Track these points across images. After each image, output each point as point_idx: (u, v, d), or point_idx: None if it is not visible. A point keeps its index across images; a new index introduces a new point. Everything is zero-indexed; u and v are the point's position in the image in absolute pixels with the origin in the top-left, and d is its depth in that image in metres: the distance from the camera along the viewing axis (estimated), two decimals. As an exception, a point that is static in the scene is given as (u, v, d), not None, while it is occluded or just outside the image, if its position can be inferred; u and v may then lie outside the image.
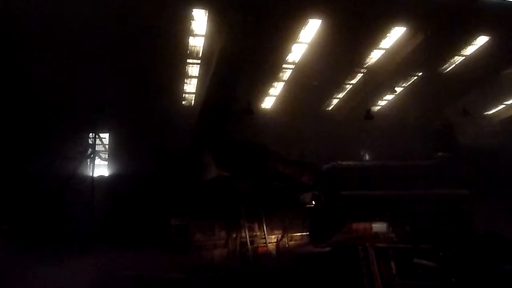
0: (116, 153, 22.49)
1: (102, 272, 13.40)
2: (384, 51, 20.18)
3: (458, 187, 18.59)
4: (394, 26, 18.19)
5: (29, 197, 17.41)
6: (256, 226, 19.03)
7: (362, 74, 22.70)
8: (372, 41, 19.29)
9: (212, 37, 17.37)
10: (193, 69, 20.55)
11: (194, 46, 18.50)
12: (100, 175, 21.42)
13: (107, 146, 22.89)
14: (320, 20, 17.07)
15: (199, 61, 19.64)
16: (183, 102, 23.39)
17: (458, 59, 21.32)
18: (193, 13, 16.22)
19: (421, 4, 16.69)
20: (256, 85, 21.72)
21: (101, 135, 22.22)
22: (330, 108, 26.59)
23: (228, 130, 20.47)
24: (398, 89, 24.33)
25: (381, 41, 19.40)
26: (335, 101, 26.04)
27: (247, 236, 18.31)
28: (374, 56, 20.84)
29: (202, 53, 18.87)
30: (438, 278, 10.77)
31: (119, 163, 21.75)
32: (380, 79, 22.41)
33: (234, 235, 18.47)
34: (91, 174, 20.16)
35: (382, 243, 12.84)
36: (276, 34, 17.50)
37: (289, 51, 19.44)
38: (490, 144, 22.37)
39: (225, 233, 18.60)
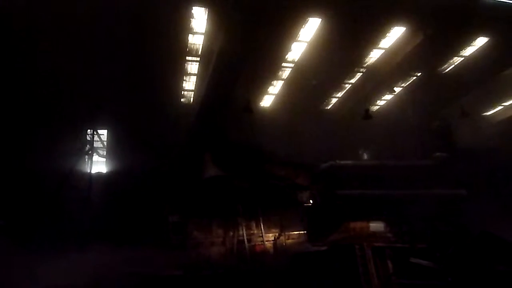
0: (114, 150, 22.47)
1: (99, 269, 13.40)
2: (383, 50, 20.19)
3: (455, 187, 18.63)
4: (393, 26, 18.20)
5: (27, 193, 17.37)
6: (253, 224, 19.11)
7: (361, 74, 22.71)
8: (371, 40, 19.29)
9: (211, 35, 17.35)
10: (193, 67, 20.53)
11: (194, 43, 18.48)
12: (98, 172, 21.42)
13: (105, 143, 22.86)
14: (320, 19, 17.06)
15: (198, 59, 19.62)
16: (182, 100, 23.38)
17: (457, 60, 21.36)
18: (193, 10, 16.20)
19: (421, 4, 16.69)
20: (255, 84, 21.71)
21: (100, 131, 22.19)
22: (329, 107, 26.62)
23: (227, 128, 20.47)
24: (397, 89, 24.38)
25: (380, 40, 19.41)
26: (334, 100, 26.06)
27: (245, 234, 18.39)
28: (374, 56, 20.84)
29: (201, 51, 18.84)
30: (435, 277, 10.80)
31: (117, 160, 21.73)
32: (379, 79, 22.43)
33: (232, 233, 18.54)
34: (89, 171, 20.13)
35: (379, 242, 12.85)
36: (275, 32, 17.48)
37: (288, 49, 19.43)
38: (488, 145, 22.43)
39: (223, 231, 18.67)
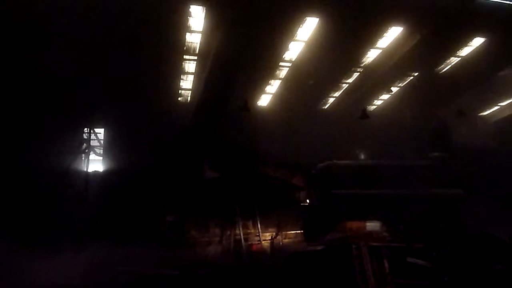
0: (111, 148, 22.41)
1: (96, 268, 13.38)
2: (380, 50, 20.22)
3: (452, 187, 18.68)
4: (391, 26, 18.22)
5: (23, 192, 17.30)
6: (250, 223, 19.12)
7: (358, 73, 22.74)
8: (369, 40, 19.31)
9: (209, 33, 17.32)
10: (190, 66, 20.49)
11: (191, 42, 18.44)
12: (95, 171, 21.36)
13: (102, 142, 22.81)
14: (317, 19, 17.07)
15: (196, 58, 19.58)
16: (179, 99, 23.34)
17: (454, 60, 21.43)
18: (190, 9, 16.17)
19: (418, 4, 16.73)
20: (252, 83, 21.70)
21: (96, 130, 22.15)
22: (326, 107, 26.64)
23: (224, 128, 20.45)
24: (394, 89, 24.44)
25: (377, 40, 19.43)
26: (331, 100, 26.09)
27: (242, 234, 18.39)
28: (371, 56, 20.87)
29: (199, 49, 18.81)
30: (431, 277, 10.84)
31: (114, 158, 21.67)
32: (376, 79, 22.47)
33: (229, 233, 18.56)
34: (85, 170, 20.08)
35: (375, 242, 12.88)
36: (273, 31, 17.48)
37: (286, 49, 19.43)
38: (484, 145, 22.51)
39: (220, 230, 18.68)
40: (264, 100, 24.89)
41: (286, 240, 19.11)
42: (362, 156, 26.58)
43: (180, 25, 17.06)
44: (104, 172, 21.64)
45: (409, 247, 12.12)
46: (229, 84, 19.06)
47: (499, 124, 26.65)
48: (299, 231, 18.81)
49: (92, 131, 21.15)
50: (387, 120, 24.86)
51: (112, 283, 12.70)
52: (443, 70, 22.11)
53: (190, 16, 16.55)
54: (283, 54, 19.94)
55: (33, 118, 19.08)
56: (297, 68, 20.88)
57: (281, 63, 20.87)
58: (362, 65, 21.75)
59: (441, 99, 23.98)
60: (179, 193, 18.40)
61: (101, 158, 22.58)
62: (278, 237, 19.16)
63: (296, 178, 18.52)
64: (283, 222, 19.30)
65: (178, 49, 18.75)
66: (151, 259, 14.92)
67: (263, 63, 20.07)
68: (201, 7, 16.00)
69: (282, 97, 23.98)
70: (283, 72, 21.88)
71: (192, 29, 17.45)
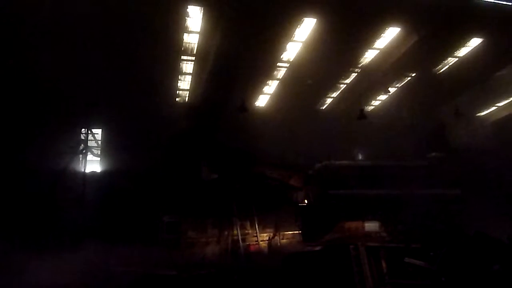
0: (108, 149, 22.36)
1: (93, 268, 13.34)
2: (378, 51, 20.24)
3: (450, 187, 18.72)
4: (388, 26, 18.24)
5: (20, 192, 17.25)
6: (248, 224, 19.09)
7: (356, 74, 22.76)
8: (366, 41, 19.34)
9: (207, 34, 17.31)
10: (188, 66, 20.48)
11: (189, 42, 18.43)
12: (92, 171, 21.31)
13: (99, 142, 22.76)
14: (315, 19, 17.07)
15: (193, 58, 19.57)
16: (176, 99, 23.31)
17: (451, 60, 21.47)
18: (188, 9, 16.15)
19: (416, 5, 16.76)
20: (250, 83, 21.69)
21: (94, 130, 22.10)
22: (324, 107, 26.66)
23: (222, 128, 20.45)
24: (392, 89, 24.46)
25: (375, 41, 19.45)
26: (329, 100, 26.11)
27: (239, 234, 18.36)
28: (368, 56, 20.89)
29: (196, 50, 18.79)
30: (428, 277, 10.83)
31: (111, 159, 21.63)
32: (373, 79, 22.50)
33: (226, 233, 18.52)
34: (83, 170, 20.03)
35: (373, 242, 12.87)
36: (270, 32, 17.48)
37: (283, 49, 19.43)
38: (482, 145, 22.56)
39: (217, 231, 18.65)
40: (262, 101, 24.89)
41: (284, 241, 19.09)
42: (360, 157, 26.63)
43: (177, 26, 17.04)
44: (101, 172, 21.61)
45: (407, 247, 12.11)
46: (229, 85, 19.07)
47: (497, 124, 26.71)
48: (297, 232, 18.81)
49: (89, 132, 21.09)
50: (384, 120, 24.90)
51: (110, 283, 12.65)
52: (441, 71, 22.16)
53: (187, 16, 16.54)
54: (281, 55, 19.96)
55: (30, 118, 19.01)
56: (295, 69, 20.89)
57: (278, 64, 20.89)
58: (359, 65, 21.77)
59: (438, 100, 24.05)
60: (176, 193, 18.36)
61: (98, 158, 22.53)
62: (276, 237, 19.13)
63: (293, 179, 18.52)
64: (280, 222, 19.28)
65: (176, 50, 18.73)
66: (148, 260, 14.87)
67: (260, 64, 20.08)
68: (198, 7, 15.99)
69: (279, 98, 23.98)
70: (280, 73, 21.90)
71: (189, 30, 17.43)
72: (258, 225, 18.99)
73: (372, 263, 11.76)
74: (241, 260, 17.40)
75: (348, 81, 23.57)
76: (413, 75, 23.02)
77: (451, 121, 23.31)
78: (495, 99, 26.42)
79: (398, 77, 23.30)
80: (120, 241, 15.38)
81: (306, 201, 18.92)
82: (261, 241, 18.88)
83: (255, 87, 22.84)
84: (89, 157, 21.46)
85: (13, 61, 16.68)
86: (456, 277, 10.53)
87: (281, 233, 19.26)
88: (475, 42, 19.78)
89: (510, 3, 17.52)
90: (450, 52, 20.77)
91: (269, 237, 19.12)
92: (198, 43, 18.31)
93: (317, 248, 13.80)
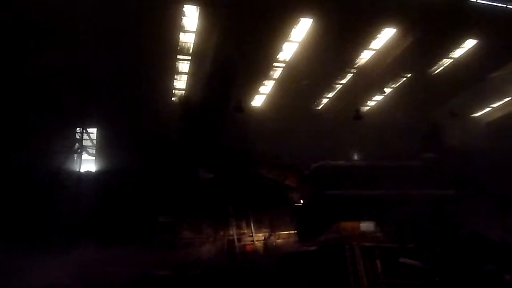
0: (103, 148, 22.27)
1: (88, 268, 13.30)
2: (374, 51, 20.31)
3: (444, 188, 18.81)
4: (384, 27, 18.32)
5: (15, 192, 17.15)
6: (244, 224, 19.06)
7: (352, 74, 22.82)
8: (362, 41, 19.40)
9: (203, 34, 17.30)
10: (184, 66, 20.45)
11: (185, 42, 18.41)
12: (87, 171, 21.22)
13: (94, 141, 22.67)
14: (312, 20, 17.11)
15: (189, 58, 19.55)
16: (172, 98, 23.27)
17: (446, 62, 21.58)
18: (184, 8, 16.13)
19: (411, 6, 16.84)
20: (247, 83, 21.70)
21: (89, 130, 22.00)
22: (320, 108, 26.71)
23: (218, 128, 20.41)
24: (387, 90, 24.56)
25: (371, 41, 19.52)
26: (325, 101, 26.16)
27: (235, 234, 18.34)
28: (364, 57, 20.96)
29: (192, 49, 18.77)
30: (423, 277, 10.89)
31: (107, 158, 21.54)
32: (369, 80, 22.56)
33: (222, 233, 18.48)
34: (78, 170, 19.94)
35: (369, 242, 12.93)
36: (267, 32, 17.50)
37: (280, 49, 19.45)
38: (476, 146, 22.67)
39: (213, 231, 18.60)
40: (258, 101, 24.90)
41: (280, 241, 19.07)
42: (355, 157, 26.69)
43: (174, 25, 17.02)
44: (96, 172, 21.52)
45: (402, 247, 12.17)
46: (225, 85, 19.04)
47: (491, 125, 26.89)
48: (293, 232, 18.82)
49: (84, 131, 20.99)
50: (380, 121, 24.97)
51: (105, 283, 12.62)
52: (436, 72, 22.26)
53: (184, 15, 16.52)
54: (277, 55, 19.98)
55: (25, 117, 18.90)
56: (291, 69, 20.92)
57: (275, 64, 20.91)
58: (355, 66, 21.83)
59: (433, 100, 24.16)
60: (172, 193, 18.32)
61: (93, 158, 22.44)
62: (272, 237, 19.12)
63: (289, 179, 18.54)
64: (276, 222, 19.27)
65: (172, 49, 18.70)
66: (144, 260, 14.82)
67: (257, 64, 20.08)
68: (195, 7, 15.98)
69: (276, 98, 24.01)
70: (277, 73, 21.92)
71: (186, 29, 17.41)
72: (253, 225, 18.98)
73: (367, 262, 11.82)
74: (237, 260, 17.40)
75: (344, 81, 23.63)
76: (409, 76, 23.12)
77: (445, 121, 23.44)
78: (489, 100, 26.62)
79: (394, 77, 23.40)
80: (115, 241, 15.32)
81: (302, 201, 18.94)
82: (257, 241, 18.87)
83: (252, 87, 22.85)
84: (84, 156, 21.36)
85: (8, 59, 16.57)
86: (450, 277, 10.61)
87: (277, 233, 19.25)
88: (470, 43, 19.90)
89: (504, 5, 17.67)
90: (445, 53, 20.89)
91: (264, 237, 19.10)
92: (194, 43, 18.28)
93: (313, 248, 13.83)
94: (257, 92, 23.94)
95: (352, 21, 17.33)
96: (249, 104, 23.89)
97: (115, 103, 20.62)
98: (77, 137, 20.71)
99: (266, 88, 23.62)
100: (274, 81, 22.74)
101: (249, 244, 18.64)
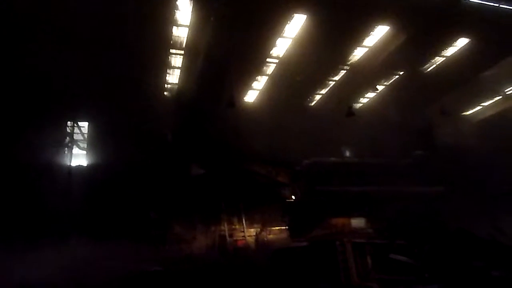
0: (95, 142, 22.10)
1: (79, 263, 13.23)
2: (367, 49, 20.36)
3: (434, 185, 18.98)
4: (377, 25, 18.36)
5: (4, 186, 16.96)
6: (235, 219, 19.13)
7: (345, 71, 22.86)
8: (355, 38, 19.43)
9: (196, 28, 17.19)
10: (177, 60, 20.32)
11: (178, 36, 18.28)
12: (78, 165, 21.05)
13: (85, 135, 22.49)
14: (305, 16, 17.08)
15: (182, 52, 19.42)
16: (165, 93, 23.13)
17: (438, 60, 21.71)
18: (177, 2, 16.01)
19: (405, 4, 16.90)
20: (239, 78, 21.62)
21: (80, 123, 21.81)
22: (312, 104, 26.74)
23: (210, 123, 20.36)
24: (380, 87, 24.65)
25: (364, 39, 19.56)
26: (317, 97, 26.19)
27: (227, 230, 18.40)
28: (357, 54, 21.00)
29: (186, 43, 18.66)
30: (412, 273, 10.99)
31: (98, 153, 21.38)
32: (362, 77, 22.62)
33: (213, 228, 18.52)
34: (68, 164, 19.77)
35: (360, 238, 13.00)
36: (260, 27, 17.44)
37: (273, 45, 19.41)
38: (466, 144, 22.90)
39: (205, 226, 18.63)
40: (250, 96, 24.86)
41: (271, 236, 19.18)
42: (347, 154, 26.80)
43: (167, 19, 16.89)
44: (87, 166, 21.36)
45: (392, 244, 12.26)
46: (218, 80, 19.00)
47: (481, 123, 27.16)
48: (284, 227, 18.89)
49: (75, 125, 20.80)
50: (372, 118, 25.07)
51: (95, 278, 12.56)
52: (428, 70, 22.40)
53: (177, 9, 16.40)
54: (271, 50, 19.93)
55: (15, 111, 18.67)
56: (284, 65, 20.89)
57: (268, 59, 20.86)
58: (349, 63, 21.87)
59: (425, 98, 24.33)
60: (164, 189, 18.27)
61: (84, 152, 22.26)
62: (263, 233, 19.20)
63: (281, 175, 18.57)
64: (268, 218, 19.36)
65: (165, 43, 18.57)
66: (134, 255, 14.81)
67: (250, 59, 20.02)
68: (188, 0, 15.86)
69: (269, 94, 23.98)
70: (270, 69, 21.88)
71: (179, 23, 17.29)
72: (245, 221, 19.05)
73: (357, 259, 11.87)
74: (228, 255, 17.44)
75: (337, 78, 23.66)
76: (401, 73, 23.23)
77: (437, 119, 23.61)
78: (480, 99, 26.87)
79: (386, 75, 23.49)
80: (106, 236, 15.26)
81: (293, 197, 19.01)
82: (248, 236, 18.94)
83: (244, 82, 22.79)
84: (75, 150, 21.18)
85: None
86: (439, 273, 10.72)
87: (268, 228, 19.33)
88: (462, 42, 20.03)
89: (496, 4, 17.79)
90: (437, 52, 21.01)
91: (256, 233, 19.18)
92: (187, 37, 18.17)
93: (304, 243, 13.88)
94: (250, 88, 23.89)
95: (346, 18, 17.33)
96: (241, 100, 23.82)
97: (107, 97, 20.44)
98: (68, 131, 20.51)
99: (259, 84, 23.57)
100: (267, 77, 22.70)
101: (240, 240, 18.72)
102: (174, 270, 13.73)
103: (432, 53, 21.15)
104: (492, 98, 26.65)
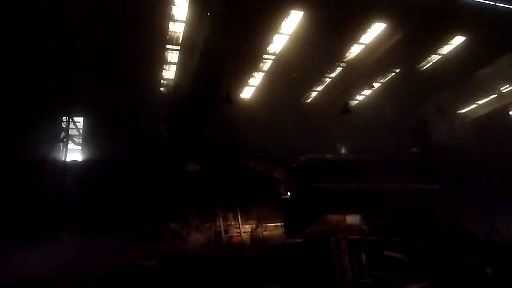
0: (90, 138, 22.01)
1: (73, 259, 13.20)
2: (363, 46, 20.36)
3: (429, 182, 19.07)
4: (374, 22, 18.35)
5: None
6: (231, 216, 19.13)
7: (341, 68, 22.87)
8: (352, 35, 19.43)
9: (192, 24, 17.12)
10: (173, 56, 20.24)
11: (174, 32, 18.21)
12: (73, 160, 20.96)
13: (81, 131, 22.39)
14: (302, 12, 17.05)
15: (179, 48, 19.35)
16: (161, 88, 23.06)
17: (435, 58, 21.76)
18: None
19: (401, 1, 16.91)
20: (236, 74, 21.58)
21: (75, 119, 21.71)
22: (308, 101, 26.75)
23: (206, 119, 20.32)
24: (376, 85, 24.70)
25: (361, 36, 19.56)
26: (313, 94, 26.20)
27: (222, 226, 18.40)
28: (354, 51, 21.01)
29: (182, 39, 18.58)
30: (406, 270, 11.04)
31: (93, 148, 21.32)
32: (358, 74, 22.65)
33: (209, 225, 18.51)
34: (63, 159, 19.68)
35: (354, 235, 13.05)
36: (257, 23, 17.39)
37: (270, 41, 19.37)
38: (461, 142, 23.00)
39: (200, 223, 18.61)
40: (246, 93, 24.83)
41: (266, 232, 19.19)
42: (343, 150, 26.86)
43: (163, 14, 16.81)
44: (82, 162, 21.28)
45: (386, 241, 12.31)
46: (214, 76, 18.91)
47: (477, 121, 27.28)
48: (279, 224, 18.91)
49: (71, 120, 20.69)
50: (368, 115, 25.14)
51: (90, 274, 12.54)
52: (424, 68, 22.45)
53: (173, 5, 16.32)
54: (267, 47, 19.89)
55: (9, 106, 18.53)
56: (281, 61, 20.87)
57: (264, 56, 20.82)
58: (345, 60, 21.88)
59: (421, 96, 24.40)
60: (159, 184, 18.23)
61: (80, 147, 22.17)
62: (258, 229, 19.22)
63: (277, 171, 18.56)
64: (263, 214, 19.35)
65: (161, 39, 18.49)
66: (129, 251, 14.77)
67: (246, 55, 19.97)
68: (185, -4, 15.81)
69: (265, 90, 23.96)
70: (266, 65, 21.84)
71: (175, 19, 17.21)
72: (240, 217, 19.05)
73: (352, 255, 11.93)
74: (223, 251, 17.45)
75: (333, 75, 23.67)
76: (397, 71, 23.27)
77: (432, 117, 23.69)
78: (475, 97, 26.98)
79: (383, 72, 23.52)
80: (101, 231, 15.23)
81: (289, 194, 19.02)
82: (244, 232, 18.96)
83: (241, 78, 22.75)
84: (70, 145, 21.09)
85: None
86: (433, 270, 10.78)
87: (264, 225, 19.35)
88: (458, 40, 20.08)
89: (493, 3, 17.83)
90: (433, 50, 21.05)
91: (251, 229, 19.20)
92: (183, 33, 18.09)
93: (299, 240, 13.92)
94: (246, 84, 23.85)
95: (343, 15, 17.33)
96: (237, 96, 23.79)
97: (102, 92, 20.35)
98: (63, 126, 20.40)
99: (255, 80, 23.54)
100: (263, 73, 22.67)
101: (235, 236, 18.74)
102: (169, 266, 13.73)
103: (428, 51, 21.19)
104: (487, 96, 26.78)
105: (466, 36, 19.63)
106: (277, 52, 20.31)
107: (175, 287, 12.04)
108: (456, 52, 20.66)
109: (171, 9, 16.60)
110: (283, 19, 17.53)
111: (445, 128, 24.86)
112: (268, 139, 21.58)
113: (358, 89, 25.64)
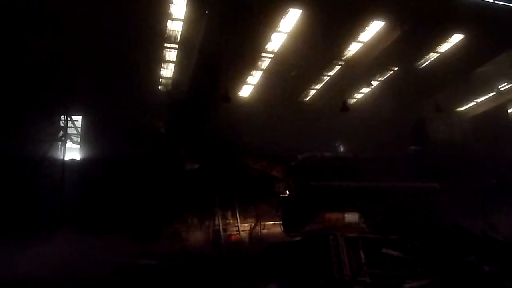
0: (88, 136, 21.99)
1: (72, 258, 13.18)
2: (362, 44, 20.35)
3: (428, 180, 19.10)
4: (372, 20, 18.34)
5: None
6: (229, 214, 19.13)
7: (339, 66, 22.86)
8: (350, 33, 19.42)
9: (191, 22, 17.10)
10: (171, 54, 20.22)
11: (173, 30, 18.18)
12: (72, 159, 20.94)
13: (79, 129, 22.36)
14: (300, 10, 17.03)
15: (176, 46, 19.32)
16: (159, 87, 23.03)
17: (433, 56, 21.76)
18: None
19: (400, 0, 16.92)
20: (234, 73, 21.57)
21: (74, 117, 21.67)
22: (307, 99, 26.74)
23: (204, 117, 20.31)
24: (374, 83, 24.70)
25: (359, 34, 19.54)
26: (312, 92, 26.19)
27: (220, 224, 18.40)
28: (352, 49, 20.99)
29: (180, 37, 18.56)
30: (405, 268, 11.05)
31: (92, 147, 21.30)
32: (357, 72, 22.65)
33: (207, 223, 18.51)
34: (62, 158, 19.65)
35: (353, 233, 13.04)
36: (256, 21, 17.37)
37: (268, 40, 19.35)
38: (460, 140, 23.06)
39: (198, 221, 18.62)
40: (245, 91, 24.81)
41: (265, 231, 19.21)
42: (342, 149, 26.89)
43: (161, 12, 16.78)
44: (81, 160, 21.25)
45: (385, 238, 12.31)
46: (212, 74, 18.89)
47: (475, 119, 27.32)
48: (278, 222, 18.92)
49: (69, 119, 20.65)
50: (366, 113, 25.15)
51: (88, 273, 12.53)
52: (423, 66, 22.45)
53: (171, 3, 16.29)
54: (265, 45, 19.87)
55: (7, 104, 18.49)
56: (279, 60, 20.85)
57: (263, 54, 20.80)
58: (343, 58, 21.87)
59: (420, 94, 24.40)
60: (157, 183, 18.23)
61: (78, 146, 22.14)
62: (257, 227, 19.24)
63: (276, 170, 18.55)
64: (262, 213, 19.37)
65: (159, 37, 18.46)
66: (128, 250, 14.76)
67: (244, 53, 19.96)
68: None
69: (263, 88, 23.94)
70: (264, 63, 21.83)
71: (173, 17, 17.19)
72: (239, 215, 19.06)
73: (350, 253, 11.91)
74: (222, 250, 17.46)
75: (331, 73, 23.66)
76: (396, 69, 23.27)
77: (431, 115, 23.72)
78: (474, 95, 27.01)
79: (381, 70, 23.52)
80: (100, 230, 15.21)
81: (287, 192, 19.03)
82: (242, 231, 18.97)
83: (239, 77, 22.73)
84: (69, 144, 21.06)
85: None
86: (431, 268, 10.79)
87: (262, 223, 19.36)
88: (456, 38, 20.08)
89: (491, 0, 17.84)
90: (432, 48, 21.05)
91: (250, 227, 19.21)
92: (182, 31, 18.07)
93: (297, 238, 13.91)
94: (245, 83, 23.83)
95: (341, 13, 17.32)
96: (236, 95, 23.77)
97: (101, 91, 20.34)
98: (62, 124, 20.36)
99: (254, 78, 23.51)
100: (261, 72, 22.65)
101: (234, 234, 18.74)
102: (168, 264, 13.72)
103: (426, 49, 21.19)
104: (485, 94, 26.81)
105: (464, 34, 19.63)
106: (275, 51, 20.30)
107: (174, 285, 12.03)
108: (454, 50, 20.67)
109: (169, 8, 16.58)
110: (282, 17, 17.51)
111: (443, 126, 24.89)
112: (267, 138, 21.59)
113: (356, 87, 25.63)
